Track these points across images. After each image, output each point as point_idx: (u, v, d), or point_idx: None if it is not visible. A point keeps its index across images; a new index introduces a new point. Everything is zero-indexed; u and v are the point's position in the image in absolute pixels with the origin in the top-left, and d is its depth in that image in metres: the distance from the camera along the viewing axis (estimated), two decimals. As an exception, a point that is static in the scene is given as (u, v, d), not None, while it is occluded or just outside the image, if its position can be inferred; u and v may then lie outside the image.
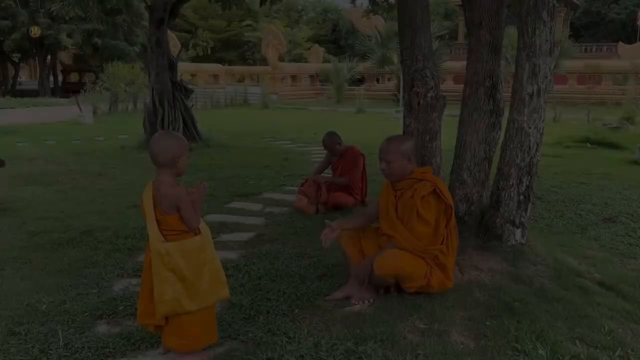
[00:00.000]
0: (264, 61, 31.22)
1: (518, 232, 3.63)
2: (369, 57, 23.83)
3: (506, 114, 3.71)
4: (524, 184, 3.54)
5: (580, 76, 25.70)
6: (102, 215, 5.39)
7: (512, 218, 3.59)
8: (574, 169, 8.12)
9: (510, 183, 3.55)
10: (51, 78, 33.30)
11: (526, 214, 3.62)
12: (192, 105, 10.86)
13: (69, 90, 32.60)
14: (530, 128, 3.46)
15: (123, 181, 7.18)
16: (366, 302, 3.19)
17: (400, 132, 4.02)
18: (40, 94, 30.14)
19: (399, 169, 3.14)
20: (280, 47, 28.26)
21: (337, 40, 49.09)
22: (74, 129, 13.95)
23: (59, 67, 38.53)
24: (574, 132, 12.09)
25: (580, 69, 25.16)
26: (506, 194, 3.57)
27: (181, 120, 9.86)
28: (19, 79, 35.32)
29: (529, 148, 3.49)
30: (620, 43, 36.02)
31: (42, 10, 24.26)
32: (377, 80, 31.58)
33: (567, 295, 3.25)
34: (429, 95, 3.64)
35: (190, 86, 10.47)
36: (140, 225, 4.91)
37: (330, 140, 5.80)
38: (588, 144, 10.38)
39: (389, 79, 31.24)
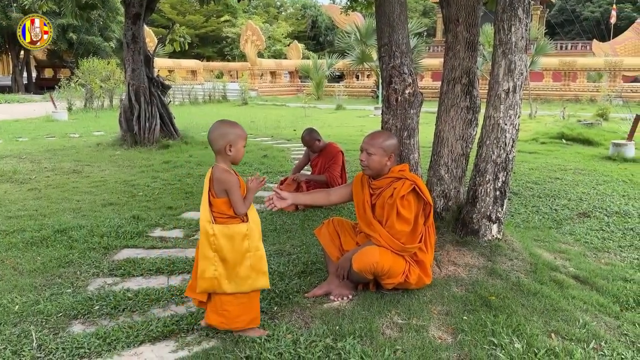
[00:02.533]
0: (242, 57, 31.05)
1: (494, 227, 3.67)
2: (348, 53, 23.85)
3: (483, 110, 3.74)
4: (500, 180, 3.58)
5: (556, 73, 26.12)
6: (77, 214, 5.30)
7: (488, 213, 3.63)
8: (549, 165, 8.24)
9: (487, 179, 3.58)
10: (25, 74, 32.63)
11: (502, 210, 3.66)
12: (170, 102, 10.74)
13: (43, 86, 32.01)
14: (506, 124, 3.50)
15: (98, 178, 7.07)
16: (345, 298, 3.19)
17: (379, 129, 4.02)
18: (14, 90, 29.54)
19: (377, 163, 3.14)
20: (258, 43, 28.10)
21: (317, 36, 49.06)
22: (48, 126, 13.69)
23: (32, 63, 37.77)
24: (549, 128, 12.29)
25: (555, 66, 25.58)
26: (482, 190, 3.60)
27: (158, 117, 9.74)
28: (-9, 74, 34.56)
29: (505, 144, 3.52)
30: (595, 40, 36.75)
31: (15, 4, 23.71)
32: (357, 77, 31.68)
33: (542, 290, 3.30)
34: (407, 91, 3.66)
35: (167, 82, 10.32)
36: (115, 223, 4.85)
37: (310, 137, 5.80)
38: (563, 140, 10.55)
39: (368, 76, 31.36)
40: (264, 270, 2.74)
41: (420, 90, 3.78)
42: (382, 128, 3.83)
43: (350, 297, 3.20)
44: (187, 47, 10.63)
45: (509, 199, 5.93)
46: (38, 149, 9.57)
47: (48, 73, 38.74)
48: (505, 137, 3.52)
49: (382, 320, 2.93)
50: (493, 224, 3.65)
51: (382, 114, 3.84)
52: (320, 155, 5.77)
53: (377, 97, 22.48)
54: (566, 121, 13.72)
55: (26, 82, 32.45)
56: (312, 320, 2.97)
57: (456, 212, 3.86)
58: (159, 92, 9.98)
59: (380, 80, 12.33)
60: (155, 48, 10.35)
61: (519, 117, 3.54)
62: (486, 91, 3.64)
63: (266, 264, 2.77)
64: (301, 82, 32.54)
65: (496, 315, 2.99)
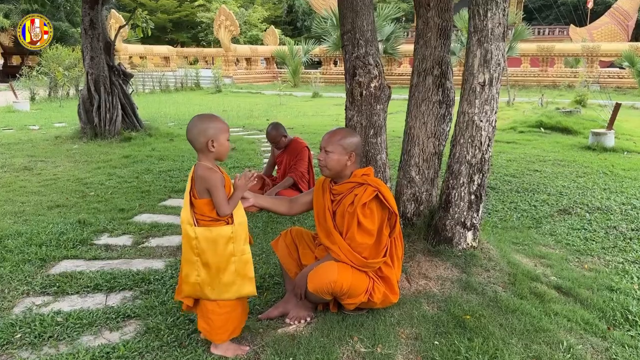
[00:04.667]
0: (218, 43, 30.22)
1: (469, 234, 3.32)
2: (324, 39, 23.32)
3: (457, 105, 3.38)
4: (476, 183, 3.23)
5: (534, 59, 25.96)
6: (19, 218, 4.83)
7: (463, 220, 3.28)
8: (528, 156, 7.96)
9: (461, 182, 3.22)
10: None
11: (478, 215, 3.31)
12: (132, 91, 10.17)
13: (9, 74, 30.81)
14: (481, 121, 3.14)
15: (50, 176, 6.57)
16: (302, 321, 2.81)
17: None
18: (-23, 79, 28.39)
19: (336, 163, 2.76)
20: (232, 29, 27.34)
21: (294, 21, 48.19)
22: (7, 117, 13.00)
23: (-1, 50, 36.40)
24: (527, 116, 12.03)
25: (533, 52, 25.38)
26: (456, 194, 3.25)
27: (119, 108, 9.19)
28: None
29: (481, 143, 3.17)
30: (572, 26, 36.72)
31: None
32: (335, 63, 31.15)
33: (522, 305, 2.97)
34: (373, 84, 3.26)
35: (129, 70, 9.75)
36: (58, 230, 4.41)
37: (277, 132, 5.35)
38: (542, 129, 10.29)
39: (345, 62, 30.77)
40: (250, 275, 2.54)
41: (388, 84, 3.39)
42: (345, 125, 3.44)
43: (309, 319, 2.83)
44: (149, 32, 10.02)
45: (484, 203, 5.65)
46: (-9, 143, 8.99)
47: (16, 60, 37.33)
48: (481, 135, 3.16)
49: (342, 348, 2.57)
50: (468, 231, 3.30)
51: (345, 109, 3.44)
52: (285, 151, 5.36)
53: (355, 84, 21.98)
54: (544, 109, 13.49)
55: (-8, 69, 31.24)
56: (264, 349, 2.60)
57: (428, 217, 3.50)
58: (121, 81, 9.42)
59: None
60: (116, 34, 9.75)
61: (495, 113, 3.18)
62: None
63: (252, 268, 2.55)
64: (278, 68, 31.90)
65: (471, 338, 2.65)
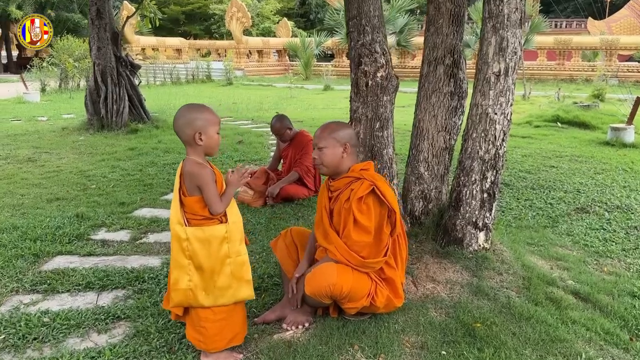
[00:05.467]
0: (231, 35, 30.03)
1: (481, 235, 3.11)
2: (337, 31, 23.04)
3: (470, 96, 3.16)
4: (489, 180, 3.01)
5: (550, 52, 25.43)
6: (17, 211, 4.71)
7: (474, 219, 3.07)
8: (544, 151, 7.69)
9: (473, 179, 3.01)
10: (4, 53, 31.54)
11: (490, 215, 3.10)
12: (140, 83, 10.03)
13: (23, 65, 30.94)
14: (496, 114, 2.92)
15: (53, 168, 6.45)
16: (300, 326, 2.63)
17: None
18: (-9, 70, 28.57)
19: (330, 157, 2.58)
20: (244, 21, 27.12)
21: (307, 14, 47.85)
22: (16, 108, 12.96)
23: (13, 42, 36.60)
24: (544, 110, 11.71)
25: (550, 45, 24.85)
26: (467, 192, 3.04)
27: (126, 99, 9.05)
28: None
29: (495, 138, 2.95)
30: (590, 18, 35.99)
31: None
32: (347, 56, 30.83)
33: (537, 313, 2.76)
34: (379, 74, 3.05)
35: (137, 61, 9.61)
36: (55, 224, 4.28)
37: (281, 125, 5.17)
38: (559, 124, 9.97)
39: (358, 55, 30.43)
40: (247, 278, 2.37)
41: (396, 74, 3.18)
42: (350, 117, 3.24)
43: (307, 324, 2.65)
44: (157, 23, 9.86)
45: (500, 192, 5.41)
46: (-2, 134, 8.92)
47: (30, 52, 37.55)
48: (495, 129, 2.95)
49: (342, 358, 2.39)
50: (480, 231, 3.09)
51: (350, 100, 3.24)
52: (291, 145, 5.17)
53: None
54: (561, 103, 13.14)
55: (6, 61, 31.36)
56: (257, 357, 2.43)
57: (437, 216, 3.29)
58: (128, 73, 9.28)
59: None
60: (124, 24, 9.61)
61: (511, 106, 2.96)
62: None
63: (250, 270, 2.39)
64: (290, 61, 31.65)
65: (481, 348, 2.46)
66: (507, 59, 2.88)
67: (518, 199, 5.25)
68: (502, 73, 2.89)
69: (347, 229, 2.49)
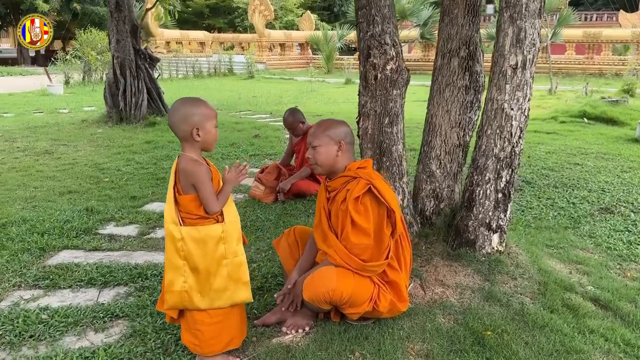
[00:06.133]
0: (254, 29, 30.01)
1: (495, 237, 2.95)
2: (359, 24, 22.76)
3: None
4: (504, 179, 2.85)
5: (579, 45, 24.74)
6: (28, 204, 4.70)
7: (487, 221, 2.91)
8: (569, 148, 7.42)
9: (487, 178, 2.86)
10: (32, 45, 32.08)
11: (505, 216, 2.94)
12: (159, 75, 10.02)
13: (50, 57, 31.45)
14: (512, 109, 2.75)
15: (69, 160, 6.47)
16: (300, 330, 2.53)
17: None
18: (19, 62, 29.09)
19: (325, 156, 2.46)
20: (267, 14, 27.05)
21: (331, 6, 47.52)
22: (39, 100, 13.13)
23: (41, 34, 37.20)
24: (570, 105, 11.36)
25: (578, 38, 24.18)
26: (481, 191, 2.88)
27: (145, 92, 9.05)
28: (-1, 46, 34.17)
29: (511, 135, 2.79)
30: (622, 11, 34.93)
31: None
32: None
33: (552, 321, 2.60)
34: (389, 67, 2.91)
35: (155, 54, 9.60)
36: (64, 217, 4.26)
37: (294, 119, 5.06)
38: (585, 119, 9.64)
39: (381, 48, 30.06)
40: (244, 279, 2.28)
41: (407, 67, 3.03)
42: (358, 112, 3.11)
43: (307, 328, 2.54)
44: (176, 15, 9.84)
45: (520, 190, 5.21)
46: (19, 126, 9.00)
47: (57, 45, 38.17)
48: (511, 125, 2.78)
49: (341, 365, 2.28)
50: (493, 233, 2.94)
51: (358, 94, 3.11)
52: (303, 139, 5.05)
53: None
54: (589, 98, 12.73)
55: (33, 54, 31.92)
56: (254, 361, 2.33)
57: (449, 216, 3.15)
58: (147, 65, 9.27)
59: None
60: (143, 17, 9.60)
61: (529, 101, 2.79)
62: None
63: (247, 271, 2.30)
64: (313, 54, 31.49)
65: (490, 358, 2.33)
66: (524, 51, 2.71)
67: (539, 198, 5.05)
68: (519, 66, 2.72)
69: (345, 231, 2.37)
